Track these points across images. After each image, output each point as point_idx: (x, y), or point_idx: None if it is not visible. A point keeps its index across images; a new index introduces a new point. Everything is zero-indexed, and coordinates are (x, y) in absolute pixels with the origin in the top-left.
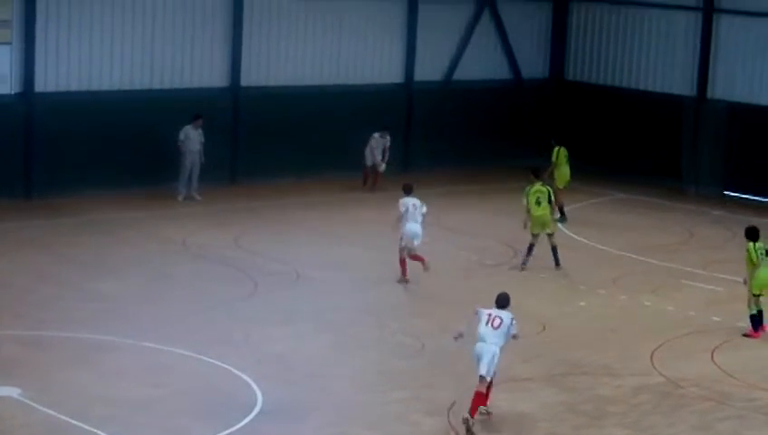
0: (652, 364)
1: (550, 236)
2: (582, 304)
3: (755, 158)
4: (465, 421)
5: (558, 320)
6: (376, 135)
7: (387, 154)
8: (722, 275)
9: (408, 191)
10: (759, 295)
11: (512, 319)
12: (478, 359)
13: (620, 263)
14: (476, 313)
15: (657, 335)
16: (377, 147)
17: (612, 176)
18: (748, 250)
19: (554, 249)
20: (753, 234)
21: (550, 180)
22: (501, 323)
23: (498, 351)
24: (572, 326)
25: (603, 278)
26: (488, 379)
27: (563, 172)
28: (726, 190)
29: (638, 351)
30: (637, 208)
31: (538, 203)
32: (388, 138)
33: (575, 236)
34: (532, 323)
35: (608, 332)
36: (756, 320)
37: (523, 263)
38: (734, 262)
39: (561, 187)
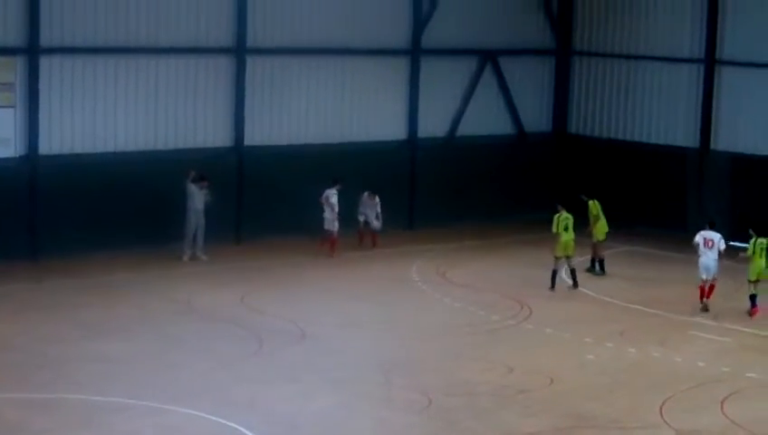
0: (662, 417)
1: (569, 258)
2: (590, 356)
3: (760, 208)
4: (704, 306)
5: (566, 373)
6: (365, 195)
7: (380, 217)
8: (730, 326)
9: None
10: (756, 281)
11: (719, 238)
12: (705, 269)
13: (628, 315)
14: (696, 236)
15: (666, 387)
16: (367, 206)
17: (617, 229)
18: (751, 243)
19: (573, 271)
20: (761, 229)
21: (588, 237)
22: (713, 244)
23: (715, 263)
24: (581, 379)
25: (611, 331)
26: (712, 281)
27: (602, 224)
28: (732, 241)
29: (647, 403)
30: (642, 260)
31: (566, 229)
32: (377, 199)
33: (582, 289)
34: (540, 377)
35: (616, 384)
36: (752, 299)
37: (552, 287)
38: (742, 312)
39: (601, 239)
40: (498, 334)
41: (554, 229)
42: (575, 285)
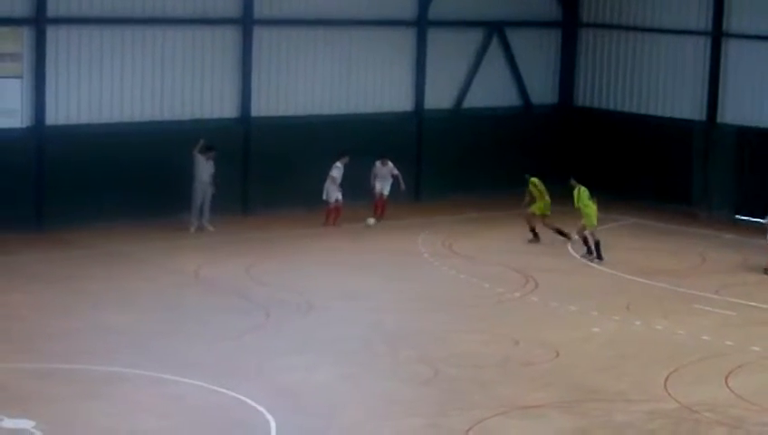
0: (666, 390)
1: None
2: (596, 329)
3: (766, 181)
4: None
5: (571, 346)
6: (378, 163)
7: (400, 178)
8: (734, 299)
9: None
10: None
11: None
12: None
13: (633, 288)
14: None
15: (670, 361)
16: (381, 175)
17: (623, 201)
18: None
19: (598, 243)
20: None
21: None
22: None
23: None
24: (586, 352)
25: (616, 304)
26: None
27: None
28: (737, 214)
29: (651, 376)
30: (648, 233)
31: (591, 199)
32: (390, 163)
33: (587, 262)
34: (546, 350)
35: (621, 358)
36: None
37: (600, 257)
38: (747, 286)
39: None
40: (504, 307)
41: (576, 203)
42: (600, 256)
